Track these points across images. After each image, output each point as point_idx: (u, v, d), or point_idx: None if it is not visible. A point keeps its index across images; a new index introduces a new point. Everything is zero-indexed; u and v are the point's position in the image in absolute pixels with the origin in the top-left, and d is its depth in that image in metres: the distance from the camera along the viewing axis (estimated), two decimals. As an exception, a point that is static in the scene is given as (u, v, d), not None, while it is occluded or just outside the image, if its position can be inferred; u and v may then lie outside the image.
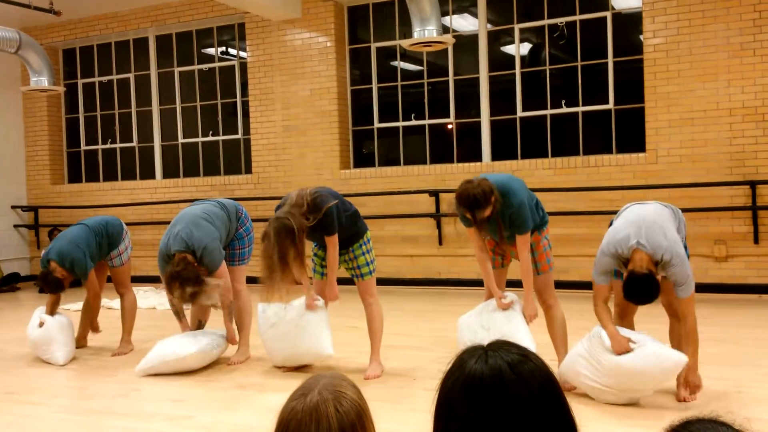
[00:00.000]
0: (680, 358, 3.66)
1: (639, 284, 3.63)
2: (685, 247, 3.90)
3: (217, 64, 9.98)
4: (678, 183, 7.32)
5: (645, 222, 3.76)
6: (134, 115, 10.61)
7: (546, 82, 8.24)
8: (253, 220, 5.59)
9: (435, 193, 8.38)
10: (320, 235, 4.53)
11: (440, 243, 8.49)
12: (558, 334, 4.34)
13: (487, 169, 8.10)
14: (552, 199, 7.49)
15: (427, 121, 8.83)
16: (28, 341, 5.53)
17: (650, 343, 3.73)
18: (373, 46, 9.07)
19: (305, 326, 4.67)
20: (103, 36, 10.59)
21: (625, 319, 4.07)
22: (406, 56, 9.04)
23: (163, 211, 9.87)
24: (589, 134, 8.05)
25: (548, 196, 7.25)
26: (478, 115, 8.54)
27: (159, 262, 4.92)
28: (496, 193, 4.03)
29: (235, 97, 9.83)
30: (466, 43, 8.63)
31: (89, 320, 5.83)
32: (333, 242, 4.50)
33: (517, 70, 8.35)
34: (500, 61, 8.56)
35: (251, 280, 5.26)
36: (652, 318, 4.50)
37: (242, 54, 9.75)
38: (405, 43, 6.78)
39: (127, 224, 6.18)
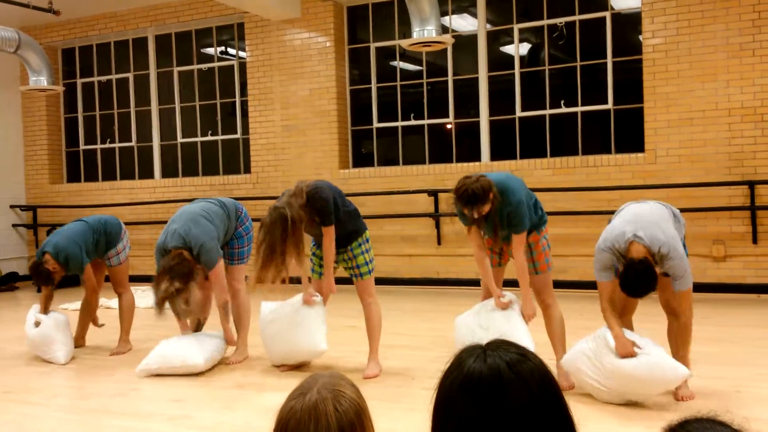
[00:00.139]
0: (683, 372, 3.68)
1: (636, 272, 3.59)
2: (684, 247, 3.90)
3: (216, 64, 9.98)
4: (677, 183, 7.32)
5: (642, 218, 3.77)
6: (133, 114, 10.61)
7: (545, 83, 8.24)
8: (252, 220, 5.59)
9: (434, 193, 8.38)
10: (319, 229, 4.53)
11: (439, 243, 8.49)
12: (556, 333, 4.33)
13: (486, 169, 8.10)
14: (551, 199, 7.50)
15: (426, 121, 8.84)
16: (26, 341, 5.53)
17: (654, 352, 3.72)
18: (373, 46, 9.07)
19: (301, 322, 4.67)
20: (102, 36, 10.58)
21: (623, 318, 4.05)
22: (406, 56, 9.04)
23: (162, 210, 9.86)
24: (588, 134, 8.06)
25: (547, 196, 7.25)
26: (477, 115, 8.54)
27: (156, 256, 4.92)
28: (494, 189, 4.02)
29: (234, 97, 9.83)
30: (465, 43, 8.63)
31: (88, 320, 5.83)
32: (329, 233, 4.49)
33: (516, 70, 8.35)
34: (499, 61, 8.56)
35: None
36: (650, 317, 4.51)
37: (241, 54, 9.75)
38: (404, 43, 6.78)
39: (126, 224, 6.18)
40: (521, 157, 8.26)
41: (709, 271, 7.30)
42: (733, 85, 7.21)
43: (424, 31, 6.57)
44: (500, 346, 1.29)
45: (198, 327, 5.25)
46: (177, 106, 10.24)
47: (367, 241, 4.73)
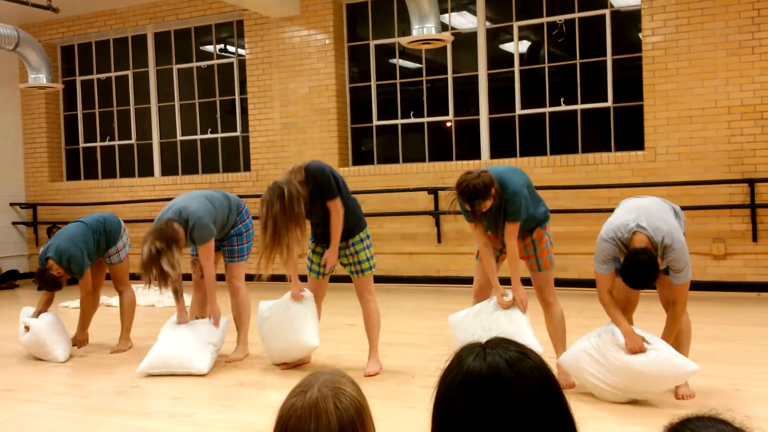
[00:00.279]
0: (692, 367, 3.66)
1: (638, 262, 3.55)
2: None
3: (215, 62, 9.97)
4: (676, 181, 7.32)
5: (644, 210, 3.76)
6: (133, 112, 10.60)
7: (545, 80, 8.23)
8: (253, 218, 5.57)
9: (434, 191, 8.37)
10: (321, 208, 4.47)
11: (439, 241, 8.49)
12: (557, 331, 4.32)
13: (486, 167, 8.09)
14: (551, 196, 7.48)
15: (426, 119, 8.83)
16: (23, 346, 5.52)
17: (663, 347, 3.70)
18: (372, 43, 9.06)
19: (291, 319, 4.64)
20: (101, 33, 10.57)
21: (624, 316, 4.04)
22: (405, 54, 9.03)
23: (162, 208, 9.79)
24: (587, 132, 8.05)
25: (547, 193, 7.23)
26: (477, 113, 8.53)
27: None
28: (496, 185, 4.02)
29: (234, 95, 9.82)
30: (465, 41, 8.63)
31: (88, 321, 5.72)
32: (336, 207, 4.44)
33: (516, 68, 8.35)
34: (499, 59, 8.56)
35: (249, 278, 5.25)
36: (651, 315, 4.51)
37: (241, 51, 9.74)
38: (404, 40, 6.78)
39: (126, 221, 6.17)
40: (521, 155, 8.25)
41: (709, 269, 7.30)
42: (733, 82, 7.20)
43: (424, 28, 6.56)
44: (500, 344, 1.29)
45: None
46: (176, 103, 10.23)
47: (368, 237, 4.72)
